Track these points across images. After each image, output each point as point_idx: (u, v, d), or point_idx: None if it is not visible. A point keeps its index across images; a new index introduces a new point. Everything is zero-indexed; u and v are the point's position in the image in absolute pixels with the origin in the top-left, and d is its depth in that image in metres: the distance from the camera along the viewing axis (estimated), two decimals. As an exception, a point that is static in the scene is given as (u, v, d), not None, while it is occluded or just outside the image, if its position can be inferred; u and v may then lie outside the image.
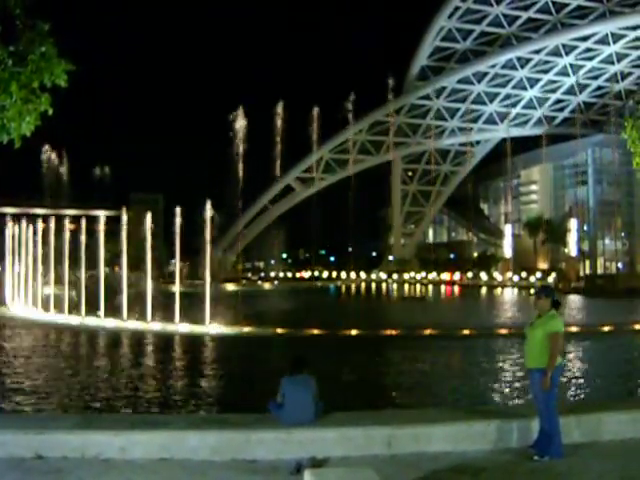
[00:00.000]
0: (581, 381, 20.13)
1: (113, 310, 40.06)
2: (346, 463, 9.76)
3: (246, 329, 34.80)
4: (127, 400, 16.44)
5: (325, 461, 10.07)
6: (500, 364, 24.58)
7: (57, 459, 10.02)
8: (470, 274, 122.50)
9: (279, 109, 44.76)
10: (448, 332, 33.66)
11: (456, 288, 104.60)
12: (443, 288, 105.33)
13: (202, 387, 19.67)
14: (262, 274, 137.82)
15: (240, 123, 45.86)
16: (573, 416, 11.56)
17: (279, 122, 45.08)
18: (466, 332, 33.99)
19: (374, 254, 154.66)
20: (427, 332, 33.98)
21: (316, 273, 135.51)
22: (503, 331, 34.55)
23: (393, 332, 34.15)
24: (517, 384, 19.62)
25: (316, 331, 33.83)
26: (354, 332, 33.87)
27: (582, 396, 17.76)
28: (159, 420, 11.24)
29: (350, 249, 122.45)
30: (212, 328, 34.96)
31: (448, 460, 10.36)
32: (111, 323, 38.49)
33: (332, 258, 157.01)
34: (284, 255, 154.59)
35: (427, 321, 37.70)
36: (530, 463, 10.44)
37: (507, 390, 19.12)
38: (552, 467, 10.26)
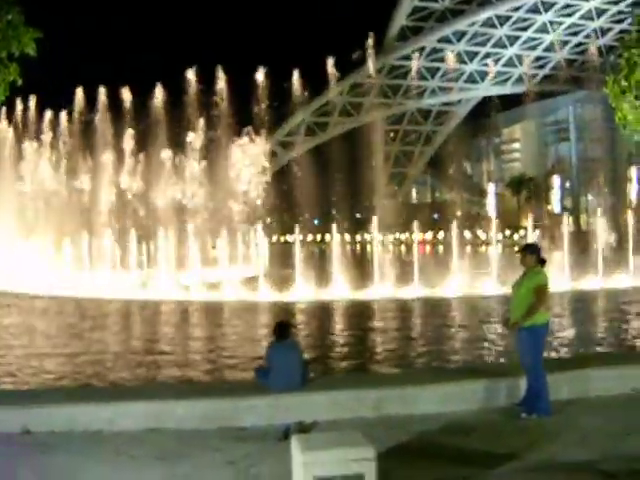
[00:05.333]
0: (568, 338, 20.20)
1: None
2: (334, 427, 9.73)
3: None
4: None
5: (313, 425, 10.06)
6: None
7: (45, 433, 9.96)
8: (454, 233, 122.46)
9: (259, 74, 44.67)
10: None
11: (440, 247, 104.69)
12: (428, 248, 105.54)
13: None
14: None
15: (220, 85, 45.53)
16: (560, 373, 11.59)
17: (259, 86, 44.93)
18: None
19: (358, 216, 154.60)
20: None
21: (300, 237, 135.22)
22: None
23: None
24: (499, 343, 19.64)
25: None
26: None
27: (568, 353, 17.81)
28: (146, 391, 11.18)
29: (334, 212, 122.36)
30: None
31: (437, 421, 10.36)
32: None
33: (316, 221, 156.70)
34: (268, 220, 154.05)
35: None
36: (518, 421, 10.47)
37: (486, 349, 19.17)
38: (540, 424, 10.30)
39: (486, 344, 20.00)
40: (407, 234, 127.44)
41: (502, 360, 16.90)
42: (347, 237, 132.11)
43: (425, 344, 20.62)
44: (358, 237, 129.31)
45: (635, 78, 12.86)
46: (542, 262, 10.95)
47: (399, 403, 10.79)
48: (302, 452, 6.83)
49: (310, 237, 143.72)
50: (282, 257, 52.90)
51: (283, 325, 11.18)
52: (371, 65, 52.46)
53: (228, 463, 8.90)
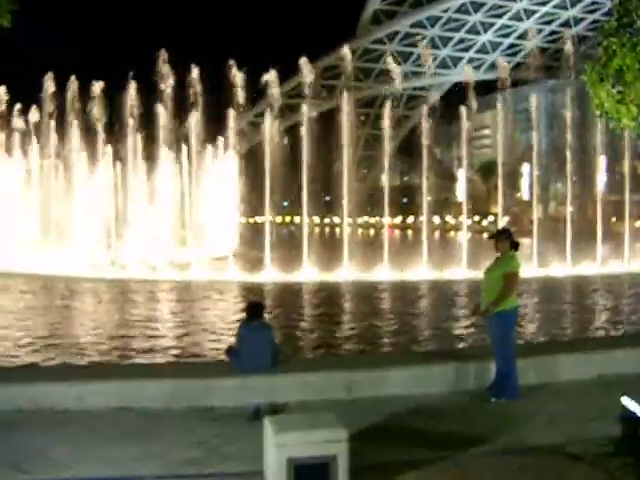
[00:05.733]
0: (535, 323, 20.38)
1: None
2: (305, 408, 9.74)
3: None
4: None
5: (284, 406, 10.03)
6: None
7: (12, 412, 9.84)
8: (423, 218, 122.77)
9: (231, 64, 44.54)
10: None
11: (409, 231, 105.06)
12: (397, 232, 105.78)
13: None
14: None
15: (194, 74, 45.32)
16: (528, 358, 11.67)
17: (232, 72, 44.75)
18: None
19: (327, 199, 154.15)
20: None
21: (270, 218, 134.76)
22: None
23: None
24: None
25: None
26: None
27: (536, 338, 17.96)
28: (115, 369, 11.11)
29: (304, 194, 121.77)
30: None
31: (407, 403, 10.40)
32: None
33: (285, 203, 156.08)
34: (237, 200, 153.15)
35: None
36: (487, 405, 10.54)
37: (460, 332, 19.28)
38: (508, 408, 10.38)
39: (452, 328, 20.13)
40: (376, 218, 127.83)
41: (469, 344, 17.02)
42: (316, 220, 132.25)
43: (393, 327, 20.71)
44: (327, 220, 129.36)
45: (613, 66, 12.93)
46: (515, 246, 10.97)
47: (369, 385, 10.81)
48: (275, 433, 6.81)
49: (279, 219, 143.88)
50: (251, 238, 52.81)
51: (255, 305, 11.10)
52: (343, 48, 52.14)
53: (198, 443, 8.86)
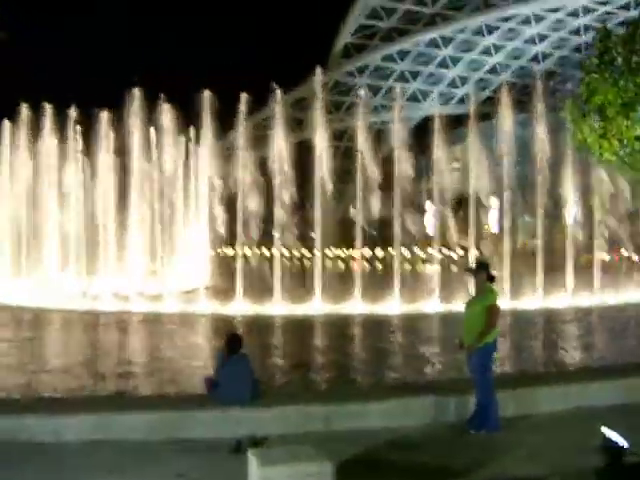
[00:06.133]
0: (511, 356, 20.39)
1: None
2: (285, 441, 9.66)
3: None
4: None
5: (264, 439, 9.95)
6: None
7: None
8: (391, 250, 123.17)
9: (205, 95, 44.58)
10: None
11: (377, 263, 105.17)
12: (365, 264, 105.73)
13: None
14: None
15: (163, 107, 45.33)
16: (507, 390, 11.72)
17: (204, 106, 44.95)
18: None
19: (296, 232, 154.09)
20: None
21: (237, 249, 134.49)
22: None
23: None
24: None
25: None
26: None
27: (511, 370, 17.97)
28: (90, 402, 10.97)
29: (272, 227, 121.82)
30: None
31: (386, 436, 10.38)
32: None
33: (254, 236, 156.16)
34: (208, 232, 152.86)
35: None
36: (467, 437, 10.55)
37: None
38: (488, 440, 10.40)
39: (428, 361, 20.12)
40: (342, 251, 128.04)
41: (448, 376, 17.00)
42: (285, 252, 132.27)
43: (370, 361, 20.65)
44: (296, 252, 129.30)
45: (595, 102, 13.20)
46: (491, 279, 11.07)
47: (347, 418, 10.78)
48: (260, 466, 6.76)
49: (249, 252, 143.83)
50: (222, 270, 52.61)
51: (233, 338, 11.06)
52: (317, 81, 52.29)
53: (177, 476, 8.77)
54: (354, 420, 10.73)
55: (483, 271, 10.95)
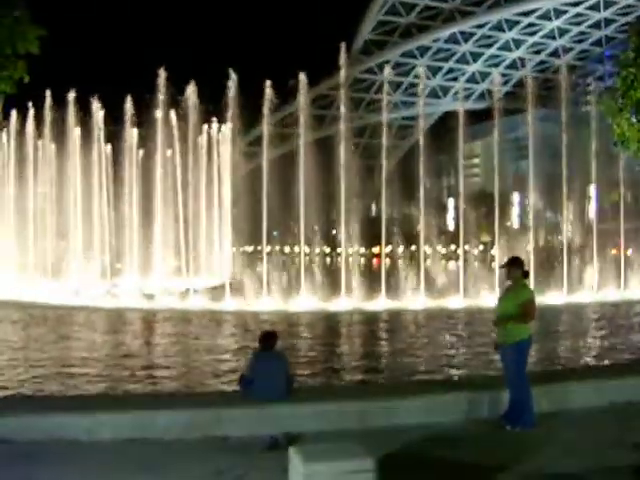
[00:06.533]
0: (542, 352, 20.30)
1: None
2: (320, 438, 9.66)
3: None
4: None
5: (299, 437, 9.95)
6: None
7: (23, 443, 9.71)
8: (413, 247, 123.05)
9: (231, 82, 44.63)
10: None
11: (400, 261, 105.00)
12: (388, 261, 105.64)
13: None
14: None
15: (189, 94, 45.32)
16: (540, 386, 11.63)
17: (231, 95, 45.02)
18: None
19: (316, 229, 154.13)
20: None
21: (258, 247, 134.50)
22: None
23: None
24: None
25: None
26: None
27: (544, 367, 17.90)
28: (126, 400, 11.01)
29: (294, 223, 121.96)
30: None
31: (421, 432, 10.33)
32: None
33: (275, 233, 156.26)
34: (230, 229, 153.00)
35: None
36: (502, 433, 10.50)
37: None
38: (523, 437, 10.35)
39: (460, 357, 20.09)
40: (364, 248, 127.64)
41: (480, 372, 16.97)
42: (306, 249, 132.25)
43: (402, 356, 20.63)
44: (317, 249, 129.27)
45: (634, 96, 13.16)
46: (525, 275, 11.03)
47: (383, 415, 10.75)
48: (302, 464, 6.75)
49: (268, 248, 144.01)
50: (245, 267, 52.75)
51: (268, 335, 11.05)
52: (343, 75, 52.34)
53: (217, 473, 8.78)
54: (389, 417, 10.70)
55: (518, 267, 10.90)
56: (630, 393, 11.94)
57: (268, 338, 10.92)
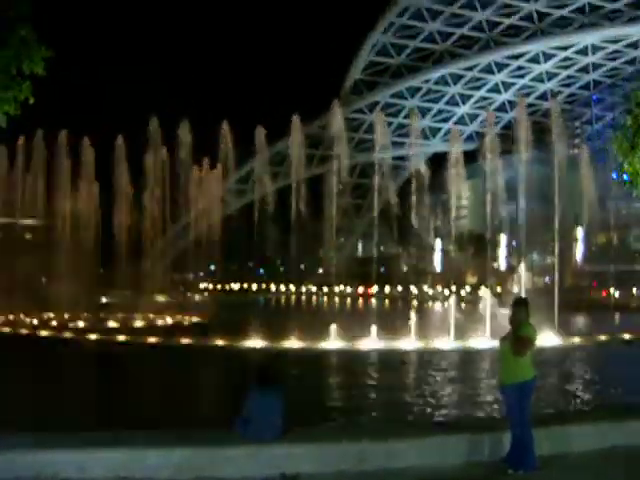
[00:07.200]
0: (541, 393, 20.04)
1: None
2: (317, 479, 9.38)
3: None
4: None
5: (295, 478, 9.66)
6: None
7: (10, 480, 9.38)
8: (400, 287, 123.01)
9: (223, 126, 45.15)
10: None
11: (386, 301, 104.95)
12: (374, 301, 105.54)
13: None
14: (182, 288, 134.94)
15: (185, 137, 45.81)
16: (541, 429, 11.39)
17: (222, 137, 45.42)
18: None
19: (302, 267, 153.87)
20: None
21: (245, 285, 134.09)
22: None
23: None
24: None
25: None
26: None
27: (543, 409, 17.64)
28: (120, 437, 10.66)
29: (279, 262, 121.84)
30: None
31: (420, 474, 10.11)
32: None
33: (261, 270, 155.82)
34: (212, 267, 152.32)
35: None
36: (504, 476, 10.26)
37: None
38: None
39: (457, 398, 19.83)
40: (349, 287, 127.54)
41: (480, 414, 16.72)
42: (292, 288, 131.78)
43: (395, 397, 20.31)
44: (303, 288, 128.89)
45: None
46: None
47: (382, 457, 10.46)
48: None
49: (255, 286, 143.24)
50: (227, 304, 52.59)
51: (267, 369, 10.71)
52: (337, 116, 52.96)
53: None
54: (388, 459, 10.41)
55: (524, 307, 10.78)
56: (632, 436, 11.78)
57: (266, 373, 10.56)
